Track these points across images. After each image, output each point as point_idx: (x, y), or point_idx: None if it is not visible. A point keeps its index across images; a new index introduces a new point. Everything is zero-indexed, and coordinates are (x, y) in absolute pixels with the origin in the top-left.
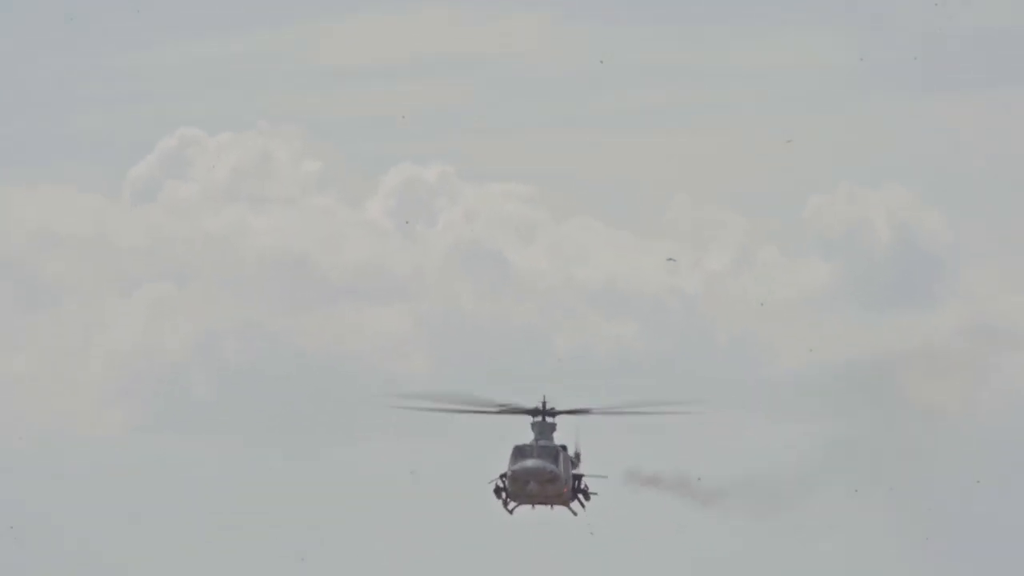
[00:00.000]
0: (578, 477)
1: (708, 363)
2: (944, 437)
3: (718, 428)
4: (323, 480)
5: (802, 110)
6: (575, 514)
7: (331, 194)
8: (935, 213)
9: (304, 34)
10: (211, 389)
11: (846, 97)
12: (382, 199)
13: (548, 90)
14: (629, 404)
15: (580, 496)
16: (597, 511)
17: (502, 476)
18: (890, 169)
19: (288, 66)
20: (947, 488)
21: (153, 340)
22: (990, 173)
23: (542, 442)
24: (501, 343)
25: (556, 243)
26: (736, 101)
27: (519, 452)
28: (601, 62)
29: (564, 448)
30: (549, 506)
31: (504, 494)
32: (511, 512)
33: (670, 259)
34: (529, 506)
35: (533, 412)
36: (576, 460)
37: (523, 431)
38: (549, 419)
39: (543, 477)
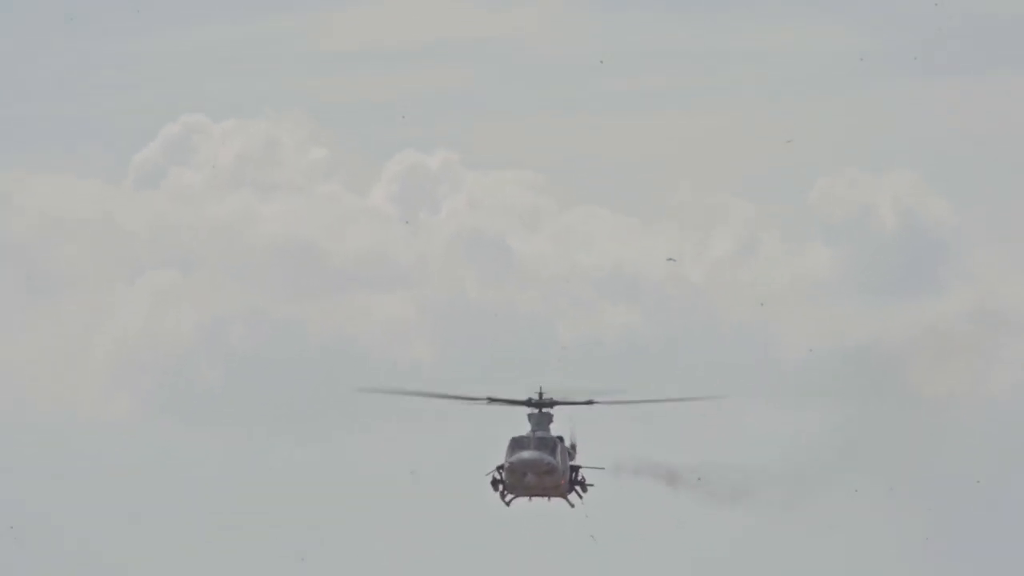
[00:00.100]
0: (575, 468)
1: (713, 350)
2: (950, 423)
3: (722, 417)
4: (324, 471)
5: (806, 94)
6: (572, 506)
7: (335, 181)
8: (940, 198)
9: (309, 20)
10: (215, 376)
11: (850, 82)
12: (385, 186)
13: (552, 76)
14: (632, 395)
15: (577, 488)
16: (594, 503)
17: (499, 468)
18: (894, 154)
19: (293, 52)
20: (949, 480)
21: (157, 327)
22: (995, 158)
23: (539, 433)
24: (505, 330)
25: (560, 230)
26: (739, 85)
27: (516, 444)
28: (601, 62)
29: (561, 439)
30: (546, 498)
31: (501, 486)
32: (508, 504)
33: (670, 259)
34: (526, 498)
35: (529, 403)
36: (572, 451)
37: (520, 423)
38: (546, 410)
39: (540, 469)
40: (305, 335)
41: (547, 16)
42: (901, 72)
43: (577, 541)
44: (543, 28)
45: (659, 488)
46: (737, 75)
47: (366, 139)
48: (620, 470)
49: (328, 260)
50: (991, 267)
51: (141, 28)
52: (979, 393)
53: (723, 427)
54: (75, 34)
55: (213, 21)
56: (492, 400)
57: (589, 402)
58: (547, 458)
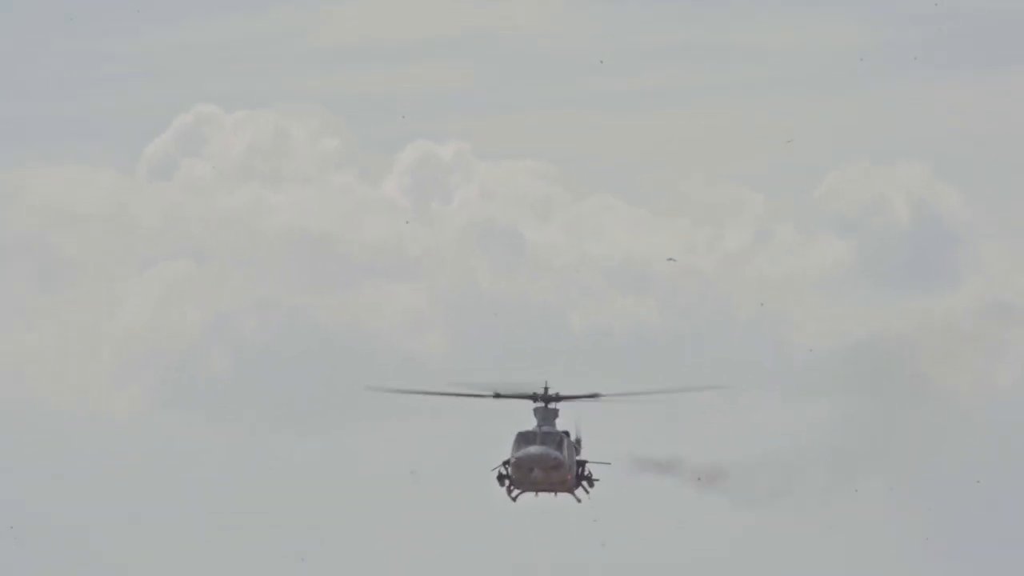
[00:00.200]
0: (582, 463)
1: (723, 341)
2: (961, 414)
3: (731, 410)
4: (332, 465)
5: (821, 87)
6: (579, 501)
7: (348, 172)
8: (952, 191)
9: (321, 12)
10: (225, 368)
11: (864, 76)
12: (397, 177)
13: (564, 68)
14: (638, 388)
15: (584, 483)
16: (601, 498)
17: (505, 463)
18: (904, 147)
19: (304, 44)
20: (951, 479)
21: (169, 319)
22: (1007, 150)
23: (545, 428)
24: (517, 320)
25: (572, 220)
26: (749, 79)
27: (523, 438)
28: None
29: (567, 434)
30: (553, 493)
31: (507, 481)
32: (515, 499)
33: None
34: (533, 493)
35: (535, 398)
36: (577, 446)
37: (526, 417)
38: (552, 405)
39: (547, 464)
40: (316, 326)
41: (555, 8)
42: (909, 67)
43: (584, 537)
44: (553, 20)
45: (664, 484)
46: (749, 70)
47: (377, 130)
48: (628, 465)
49: (340, 251)
50: (1001, 261)
51: (153, 21)
52: (989, 385)
53: (731, 420)
54: (88, 27)
55: (226, 14)
56: (498, 395)
57: (594, 396)
58: (554, 453)
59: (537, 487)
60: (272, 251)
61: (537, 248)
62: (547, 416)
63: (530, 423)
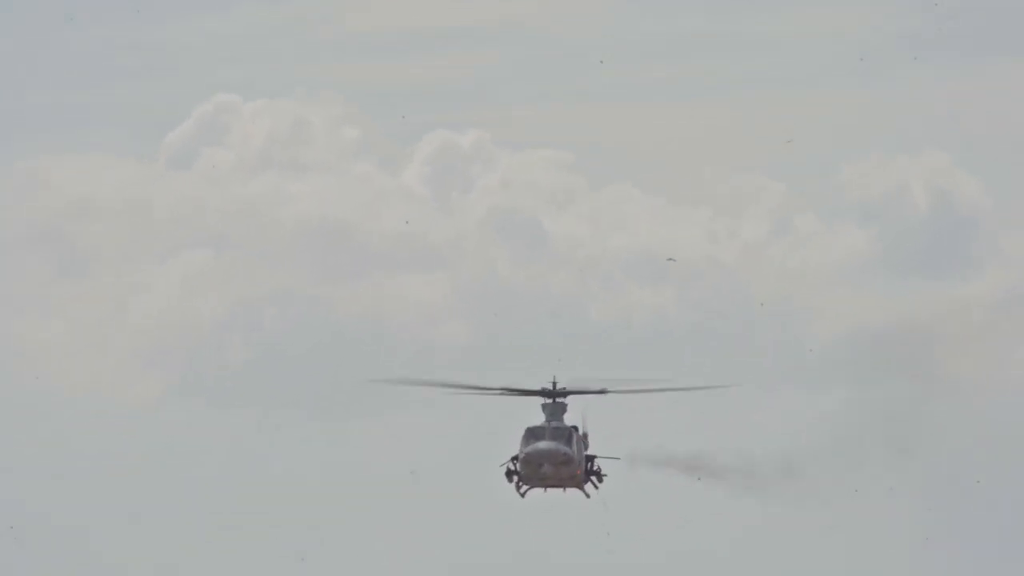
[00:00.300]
0: (591, 459)
1: (743, 332)
2: (980, 403)
3: (748, 402)
4: (342, 457)
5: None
6: (588, 496)
7: (367, 161)
8: (972, 179)
9: (340, 1)
10: (247, 357)
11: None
12: (418, 166)
13: (584, 57)
14: (646, 382)
15: (593, 478)
16: (610, 493)
17: (513, 459)
18: (924, 136)
19: (325, 32)
20: (974, 463)
21: (189, 307)
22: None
23: (554, 423)
24: (537, 310)
25: (593, 210)
26: (769, 68)
27: (531, 434)
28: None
29: (575, 429)
30: (562, 489)
31: (516, 477)
32: (523, 495)
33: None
34: (541, 489)
35: (543, 393)
36: (584, 441)
37: (533, 412)
38: (560, 400)
39: (557, 459)
40: (336, 315)
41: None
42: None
43: (591, 532)
44: (574, 10)
45: (675, 479)
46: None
47: (397, 119)
48: (636, 461)
49: (360, 240)
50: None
51: (173, 9)
52: (1009, 374)
53: (746, 413)
54: (107, 16)
55: (242, 4)
56: (506, 390)
57: (602, 391)
58: (563, 448)
59: (546, 483)
60: (292, 240)
61: (557, 238)
62: (555, 411)
63: (538, 418)
